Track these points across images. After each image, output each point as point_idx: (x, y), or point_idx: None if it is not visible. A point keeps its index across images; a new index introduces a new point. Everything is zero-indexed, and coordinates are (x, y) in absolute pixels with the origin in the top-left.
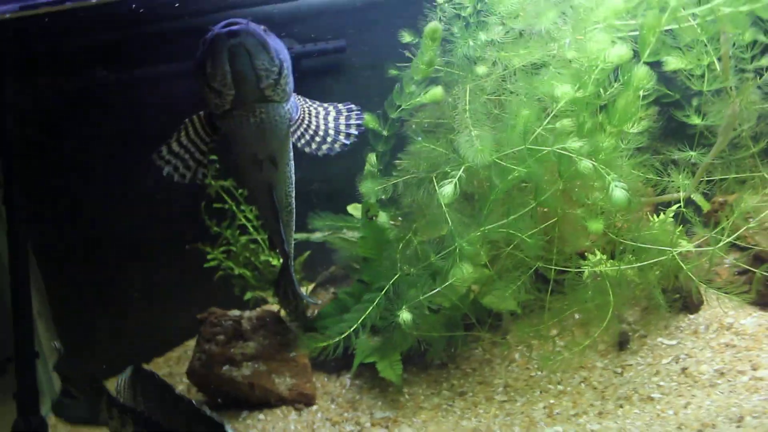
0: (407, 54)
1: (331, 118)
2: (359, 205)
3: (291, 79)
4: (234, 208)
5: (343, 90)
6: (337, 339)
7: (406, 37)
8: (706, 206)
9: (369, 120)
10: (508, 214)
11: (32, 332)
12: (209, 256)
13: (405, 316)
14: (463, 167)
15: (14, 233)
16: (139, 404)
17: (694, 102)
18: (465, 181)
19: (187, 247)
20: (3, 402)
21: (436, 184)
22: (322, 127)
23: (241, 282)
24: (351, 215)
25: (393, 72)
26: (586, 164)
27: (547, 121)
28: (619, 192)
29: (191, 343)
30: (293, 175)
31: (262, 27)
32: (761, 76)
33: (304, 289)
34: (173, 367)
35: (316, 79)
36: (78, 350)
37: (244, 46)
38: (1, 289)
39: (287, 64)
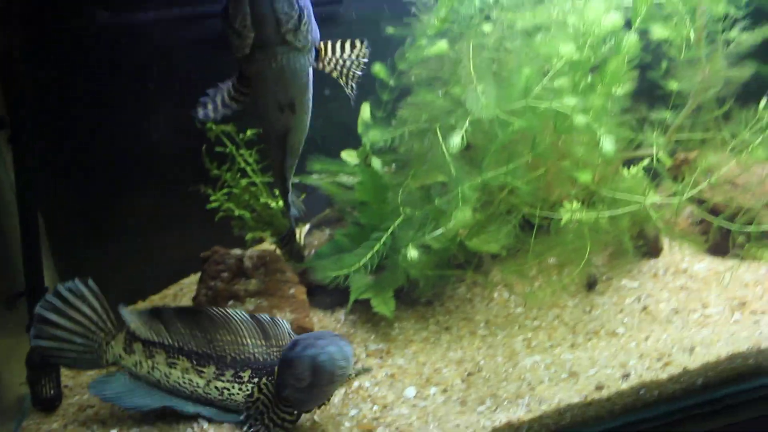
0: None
1: (346, 52)
2: (352, 151)
3: (313, 28)
4: (234, 151)
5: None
6: (348, 270)
7: None
8: (668, 162)
9: (379, 70)
10: (507, 162)
11: (41, 267)
12: (212, 198)
13: (412, 253)
14: (468, 119)
15: (21, 171)
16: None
17: (664, 64)
18: (470, 132)
19: (189, 189)
20: (17, 334)
21: (439, 134)
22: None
23: (239, 223)
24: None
25: (390, 30)
26: (580, 119)
27: (546, 79)
28: (608, 144)
29: (186, 281)
30: (308, 124)
31: None
32: (728, 46)
33: (298, 231)
34: (170, 304)
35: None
36: None
37: None
38: (10, 227)
39: (308, 12)
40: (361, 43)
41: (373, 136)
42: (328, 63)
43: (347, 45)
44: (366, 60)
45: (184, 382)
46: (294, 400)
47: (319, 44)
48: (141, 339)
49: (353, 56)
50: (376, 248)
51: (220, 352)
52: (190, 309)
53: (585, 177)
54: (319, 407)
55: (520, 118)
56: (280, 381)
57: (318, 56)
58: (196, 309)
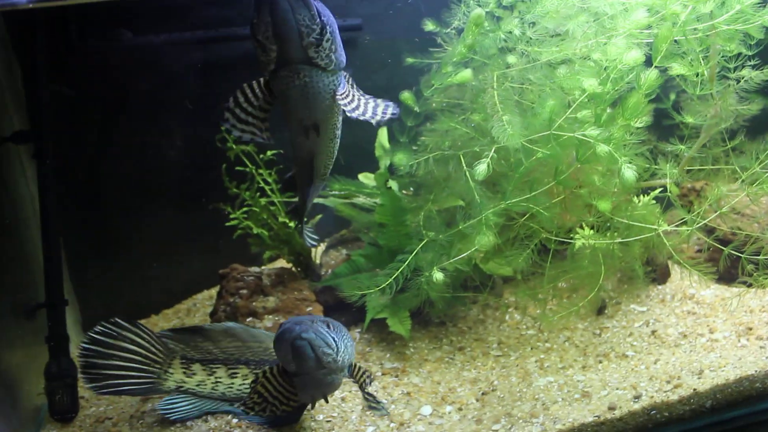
0: (417, 40)
1: (371, 104)
2: (370, 174)
3: (338, 47)
4: (254, 171)
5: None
6: (375, 289)
7: (429, 26)
8: (676, 191)
9: (407, 97)
10: (531, 189)
11: (62, 279)
12: (231, 216)
13: (437, 275)
14: (494, 148)
15: (44, 184)
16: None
17: (672, 96)
18: (495, 160)
19: (210, 207)
20: (36, 345)
21: (463, 161)
22: (362, 107)
23: (257, 241)
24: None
25: (410, 60)
26: (603, 148)
27: (570, 111)
28: (629, 173)
29: (199, 296)
30: (336, 149)
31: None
32: (739, 83)
33: (315, 252)
34: (183, 319)
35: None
36: (88, 299)
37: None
38: (31, 239)
39: (331, 29)
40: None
41: (398, 160)
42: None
43: (371, 102)
44: (394, 116)
45: (245, 387)
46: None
47: (348, 77)
48: (197, 359)
49: (379, 110)
50: (401, 269)
51: (261, 357)
52: (221, 325)
53: (604, 205)
54: (326, 401)
55: (544, 146)
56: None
57: (344, 84)
58: (227, 325)
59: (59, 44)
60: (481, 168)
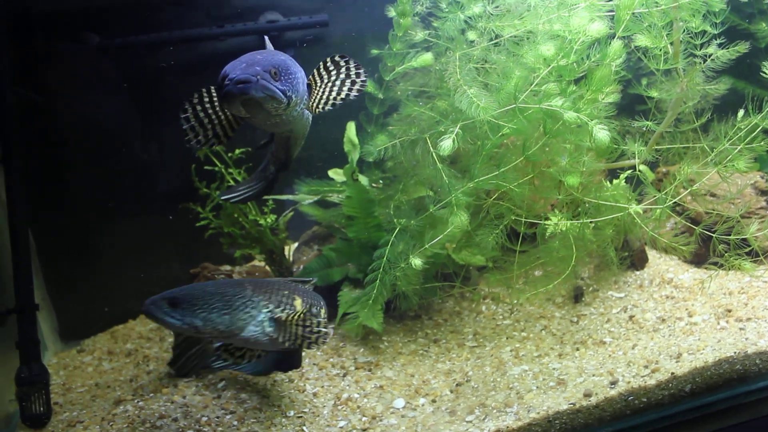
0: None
1: (336, 88)
2: (339, 170)
3: (302, 93)
4: (223, 170)
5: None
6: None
7: (392, 12)
8: (650, 176)
9: (368, 85)
10: (499, 166)
11: (32, 284)
12: (201, 215)
13: (416, 261)
14: (459, 124)
15: (12, 189)
16: None
17: (644, 81)
18: (461, 137)
19: (180, 206)
20: (7, 350)
21: (430, 143)
22: (332, 94)
23: (228, 240)
24: (332, 179)
25: (374, 51)
26: (570, 115)
27: (535, 83)
28: (602, 133)
29: None
30: (307, 127)
31: (273, 70)
32: (705, 61)
33: (287, 249)
34: None
35: (299, 49)
36: (63, 304)
37: (255, 99)
38: (2, 245)
39: (296, 91)
40: (344, 60)
41: (365, 150)
42: (322, 93)
43: (330, 65)
44: (362, 74)
45: None
46: None
47: (309, 79)
48: None
49: (344, 74)
50: (383, 265)
51: None
52: None
53: (572, 180)
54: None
55: (510, 121)
56: None
57: (311, 91)
58: None
59: (26, 48)
60: (447, 143)
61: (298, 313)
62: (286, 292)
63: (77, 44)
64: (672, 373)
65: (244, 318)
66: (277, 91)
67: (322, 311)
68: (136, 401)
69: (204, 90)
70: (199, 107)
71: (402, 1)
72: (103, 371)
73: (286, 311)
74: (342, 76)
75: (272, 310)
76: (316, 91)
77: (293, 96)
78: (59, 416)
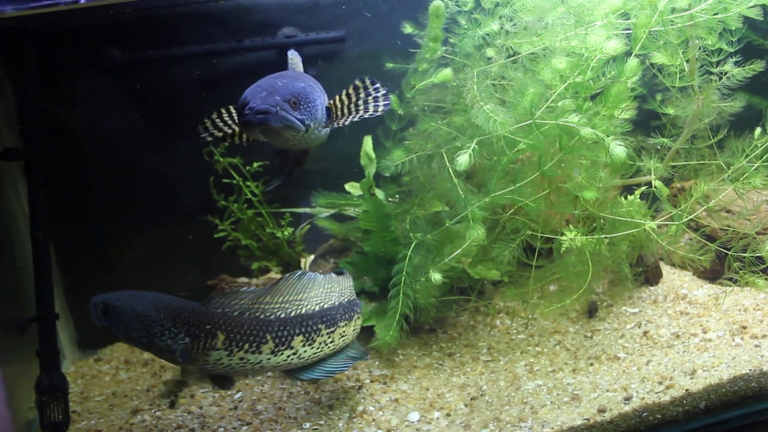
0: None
1: (361, 104)
2: (355, 183)
3: (321, 120)
4: (241, 183)
5: (340, 75)
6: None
7: (408, 28)
8: (665, 191)
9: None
10: (515, 181)
11: (52, 294)
12: (219, 227)
13: (436, 276)
14: (476, 139)
15: (35, 200)
16: None
17: (658, 97)
18: (477, 152)
19: (198, 219)
20: (27, 359)
21: (446, 158)
22: (353, 114)
23: (246, 252)
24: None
25: (389, 65)
26: (587, 131)
27: (551, 99)
28: (619, 149)
29: None
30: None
31: (293, 99)
32: (721, 78)
33: (304, 261)
34: None
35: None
36: (82, 316)
37: (273, 128)
38: (23, 255)
39: (314, 117)
40: (370, 81)
41: (383, 164)
42: (342, 113)
43: (351, 90)
44: (385, 93)
45: None
46: None
47: (329, 103)
48: None
49: (364, 95)
50: (403, 279)
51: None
52: None
53: (590, 194)
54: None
55: (526, 137)
56: None
57: (330, 114)
58: None
59: (49, 63)
60: (464, 158)
61: None
62: (209, 327)
63: (100, 59)
64: (687, 390)
65: (160, 344)
66: (296, 121)
67: None
68: (153, 411)
69: (223, 110)
70: (218, 120)
71: (434, 26)
72: (120, 380)
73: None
74: (363, 95)
75: (187, 344)
76: (337, 112)
77: (311, 124)
78: (77, 424)
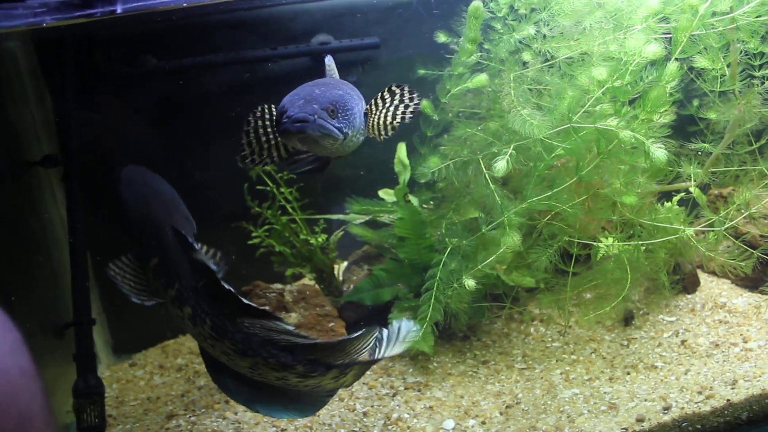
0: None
1: (391, 111)
2: (389, 190)
3: (356, 120)
4: (275, 190)
5: (372, 82)
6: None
7: (442, 37)
8: (703, 198)
9: (425, 105)
10: (552, 187)
11: (89, 299)
12: (253, 234)
13: (470, 282)
14: (513, 145)
15: (72, 206)
16: None
17: (695, 102)
18: (514, 157)
19: (233, 225)
20: (64, 363)
21: (482, 164)
22: (385, 122)
23: (280, 258)
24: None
25: (421, 71)
26: (626, 134)
27: (589, 103)
28: (660, 152)
29: None
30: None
31: (331, 108)
32: (764, 83)
33: (337, 268)
34: None
35: (350, 71)
36: (117, 321)
37: (311, 137)
38: (61, 260)
39: (353, 125)
40: (399, 87)
41: (419, 171)
42: (378, 119)
43: (386, 94)
44: (416, 97)
45: None
46: None
47: (366, 108)
48: None
49: (399, 102)
50: (436, 285)
51: None
52: None
53: (629, 199)
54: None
55: (564, 141)
56: None
57: (367, 120)
58: None
59: (87, 70)
60: (501, 164)
61: None
62: None
63: (136, 66)
64: (728, 400)
65: None
66: (334, 129)
67: None
68: (188, 416)
69: (266, 106)
70: (260, 122)
71: (472, 27)
72: (155, 385)
73: None
74: (396, 101)
75: None
76: (372, 119)
77: (349, 132)
78: (113, 429)
